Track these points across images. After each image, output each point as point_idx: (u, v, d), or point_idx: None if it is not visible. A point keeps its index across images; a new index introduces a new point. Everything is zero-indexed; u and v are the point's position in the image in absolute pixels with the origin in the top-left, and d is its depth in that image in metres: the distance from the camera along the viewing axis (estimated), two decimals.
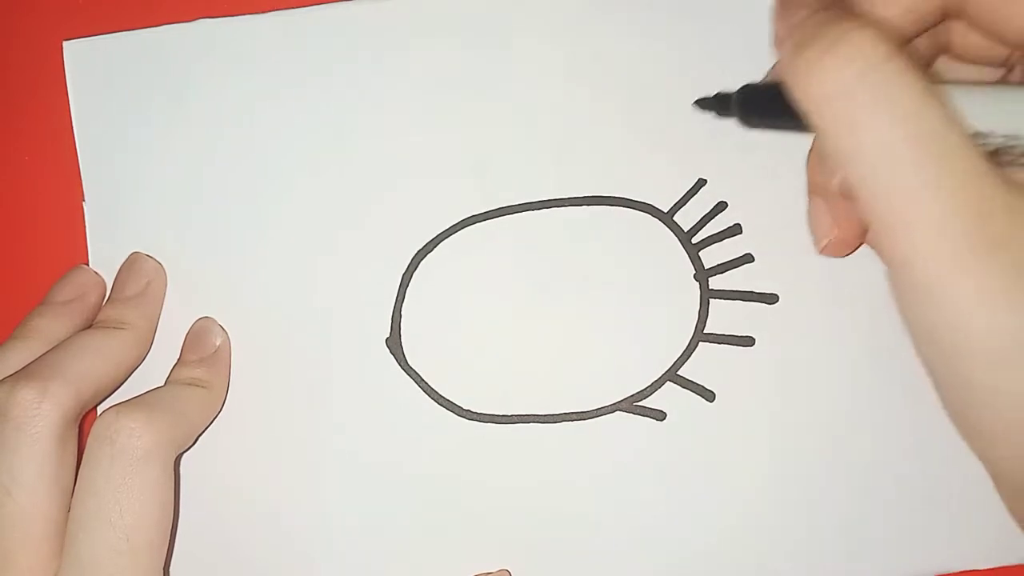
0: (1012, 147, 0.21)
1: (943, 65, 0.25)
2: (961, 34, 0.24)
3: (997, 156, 0.21)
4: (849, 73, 0.20)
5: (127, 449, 0.25)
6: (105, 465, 0.25)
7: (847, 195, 0.24)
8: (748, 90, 0.26)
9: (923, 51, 0.24)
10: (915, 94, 0.20)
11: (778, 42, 0.23)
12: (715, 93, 0.27)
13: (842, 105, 0.20)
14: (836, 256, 0.26)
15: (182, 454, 0.28)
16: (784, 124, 0.24)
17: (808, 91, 0.21)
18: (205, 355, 0.29)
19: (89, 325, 0.29)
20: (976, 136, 0.21)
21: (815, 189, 0.26)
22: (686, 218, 0.30)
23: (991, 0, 0.21)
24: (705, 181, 0.30)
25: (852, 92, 0.20)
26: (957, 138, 0.20)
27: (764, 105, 0.25)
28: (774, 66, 0.26)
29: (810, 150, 0.26)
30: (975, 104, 0.21)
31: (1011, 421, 0.20)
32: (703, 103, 0.28)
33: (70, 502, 0.25)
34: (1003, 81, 0.24)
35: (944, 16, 0.23)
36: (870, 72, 0.20)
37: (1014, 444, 0.21)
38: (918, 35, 0.23)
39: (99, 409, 0.29)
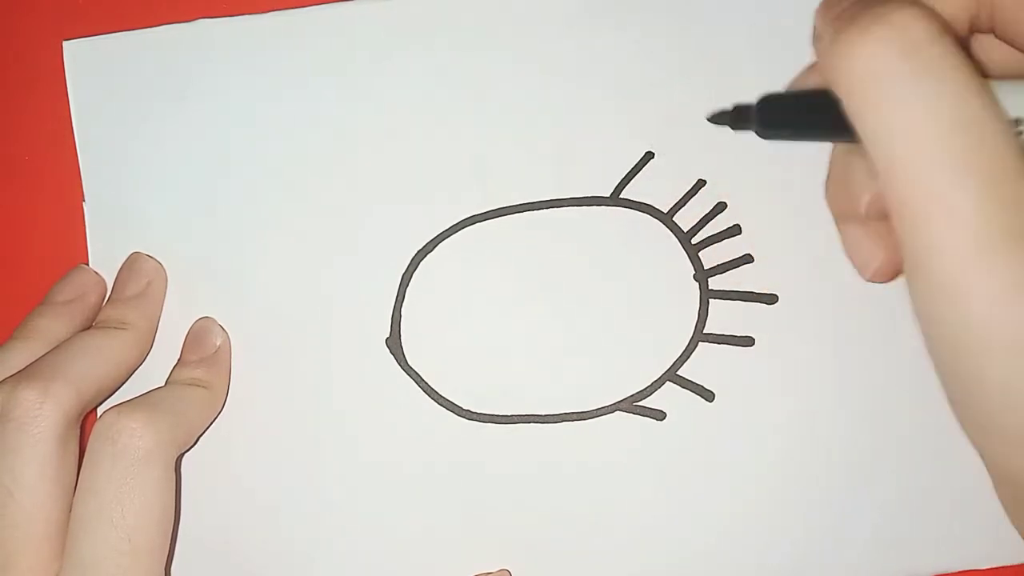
0: None
1: None
2: (987, 50, 0.23)
3: None
4: (889, 52, 0.19)
5: (128, 449, 0.25)
6: (107, 465, 0.25)
7: (879, 212, 0.23)
8: (769, 100, 0.25)
9: None
10: (956, 78, 0.19)
11: (817, 37, 0.22)
12: (732, 106, 0.26)
13: (881, 85, 0.19)
14: (886, 281, 0.25)
15: (183, 454, 0.28)
16: (806, 134, 0.24)
17: (846, 72, 0.20)
18: (205, 355, 0.29)
19: (90, 325, 0.29)
20: (1017, 123, 0.20)
21: (844, 217, 0.25)
22: (686, 219, 0.30)
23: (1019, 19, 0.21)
24: (704, 182, 0.30)
25: (891, 71, 0.19)
26: (994, 129, 0.19)
27: (785, 115, 0.24)
28: (797, 77, 0.25)
29: (827, 179, 0.25)
30: (1015, 95, 0.20)
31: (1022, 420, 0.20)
32: (718, 118, 0.26)
33: (71, 502, 0.26)
34: None
35: (972, 31, 0.22)
36: (911, 52, 0.19)
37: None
38: None
39: (100, 410, 0.29)
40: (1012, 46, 0.22)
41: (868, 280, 0.24)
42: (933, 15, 0.19)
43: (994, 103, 0.19)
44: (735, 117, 0.26)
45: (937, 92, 0.19)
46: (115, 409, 0.26)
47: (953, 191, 0.19)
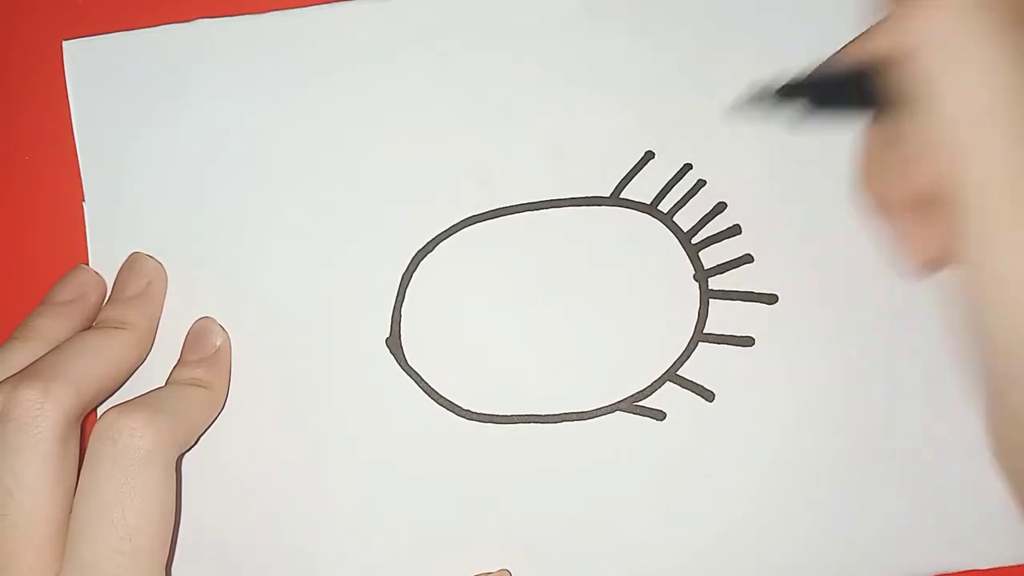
0: None
1: None
2: None
3: None
4: (947, 18, 0.19)
5: (129, 449, 0.25)
6: (107, 465, 0.25)
7: (929, 196, 0.22)
8: (818, 75, 0.25)
9: None
10: (1008, 48, 0.19)
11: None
12: (781, 85, 0.25)
13: (937, 53, 0.20)
14: (934, 270, 0.24)
15: (183, 454, 0.28)
16: (851, 110, 0.23)
17: (909, 36, 0.20)
18: (206, 355, 0.29)
19: (90, 325, 0.29)
20: None
21: (887, 206, 0.24)
22: (686, 219, 0.30)
23: None
24: (704, 182, 0.30)
25: (947, 39, 0.20)
26: None
27: (834, 90, 0.24)
28: (837, 53, 0.25)
29: (864, 169, 0.25)
30: None
31: None
32: (756, 100, 0.26)
33: (72, 503, 0.25)
34: None
35: None
36: (967, 20, 0.19)
37: None
38: None
39: (100, 410, 0.29)
40: None
41: (917, 271, 0.24)
42: None
43: None
44: (784, 92, 0.25)
45: (991, 65, 0.19)
46: (115, 409, 0.26)
47: (1003, 165, 0.19)
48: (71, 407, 0.26)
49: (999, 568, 0.28)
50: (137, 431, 0.25)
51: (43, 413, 0.25)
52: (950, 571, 0.29)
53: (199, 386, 0.28)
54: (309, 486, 0.29)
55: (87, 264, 0.30)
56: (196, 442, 0.29)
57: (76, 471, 0.26)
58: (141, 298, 0.29)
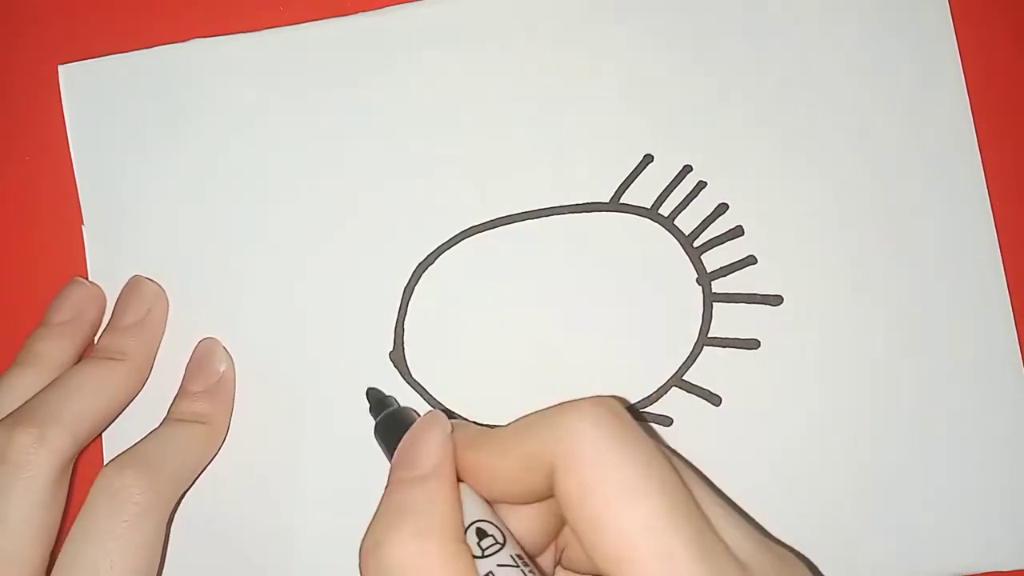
0: None
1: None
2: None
3: None
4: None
5: (127, 506, 0.25)
6: (103, 518, 0.25)
7: None
8: (388, 416, 0.27)
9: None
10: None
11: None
12: (377, 400, 0.28)
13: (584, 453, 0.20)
14: None
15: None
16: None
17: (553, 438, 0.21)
18: (209, 383, 0.29)
19: (90, 341, 0.29)
20: None
21: None
22: (687, 222, 0.30)
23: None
24: (705, 183, 0.30)
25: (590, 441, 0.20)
26: None
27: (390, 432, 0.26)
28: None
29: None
30: None
31: None
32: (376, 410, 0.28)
33: (52, 543, 0.26)
34: None
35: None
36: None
37: None
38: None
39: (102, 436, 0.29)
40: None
41: None
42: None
43: None
44: (373, 407, 0.28)
45: None
46: (116, 463, 0.26)
47: None
48: (65, 451, 0.26)
49: (999, 572, 0.28)
50: (136, 488, 0.26)
51: (38, 459, 0.25)
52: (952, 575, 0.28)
53: (199, 422, 0.28)
54: (315, 502, 0.29)
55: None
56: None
57: (62, 513, 0.26)
58: (140, 327, 0.29)
